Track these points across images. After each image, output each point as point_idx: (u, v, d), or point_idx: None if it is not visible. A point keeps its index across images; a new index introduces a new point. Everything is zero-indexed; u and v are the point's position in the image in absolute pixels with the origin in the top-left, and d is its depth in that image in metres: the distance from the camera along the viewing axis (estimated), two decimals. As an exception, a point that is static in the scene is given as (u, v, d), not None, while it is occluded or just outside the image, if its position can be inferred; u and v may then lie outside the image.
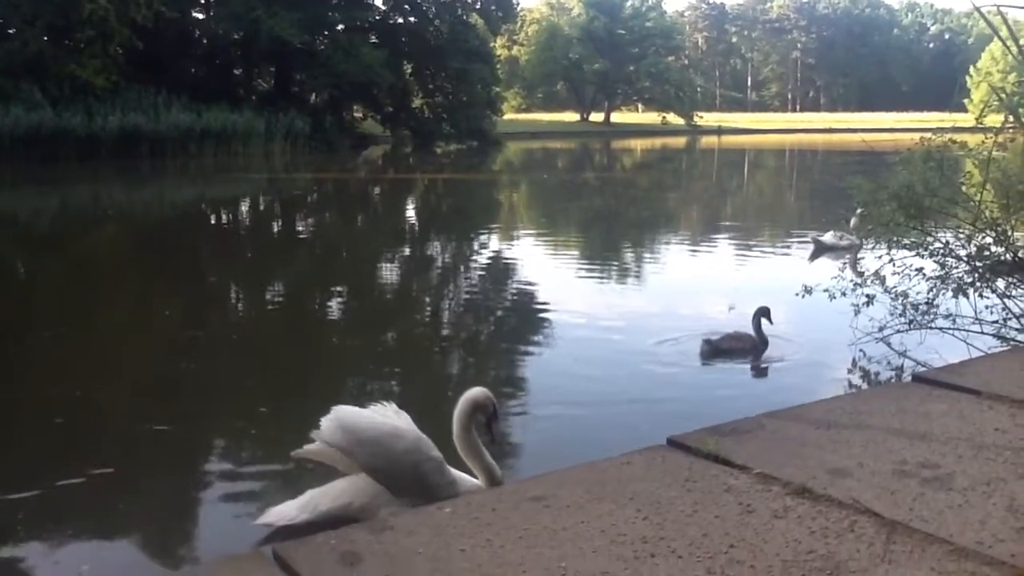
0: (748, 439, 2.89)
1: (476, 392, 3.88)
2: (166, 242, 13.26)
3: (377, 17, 40.91)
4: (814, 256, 10.90)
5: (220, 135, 28.86)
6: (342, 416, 3.65)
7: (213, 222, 16.71)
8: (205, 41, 36.25)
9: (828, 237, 10.86)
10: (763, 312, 6.38)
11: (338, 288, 9.82)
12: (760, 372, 6.17)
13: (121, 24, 26.69)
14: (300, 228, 15.86)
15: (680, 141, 54.89)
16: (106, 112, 26.20)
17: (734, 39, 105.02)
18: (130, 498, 4.04)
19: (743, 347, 6.31)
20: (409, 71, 40.94)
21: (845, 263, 6.41)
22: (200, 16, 36.29)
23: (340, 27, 38.00)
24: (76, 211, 17.54)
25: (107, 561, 3.48)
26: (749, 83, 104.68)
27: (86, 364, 6.37)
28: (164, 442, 4.72)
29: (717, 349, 6.25)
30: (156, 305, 8.60)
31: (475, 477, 3.88)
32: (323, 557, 2.17)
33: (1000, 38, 4.97)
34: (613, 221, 17.12)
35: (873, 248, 6.74)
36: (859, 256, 8.15)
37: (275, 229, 15.89)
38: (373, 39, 39.23)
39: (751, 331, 6.39)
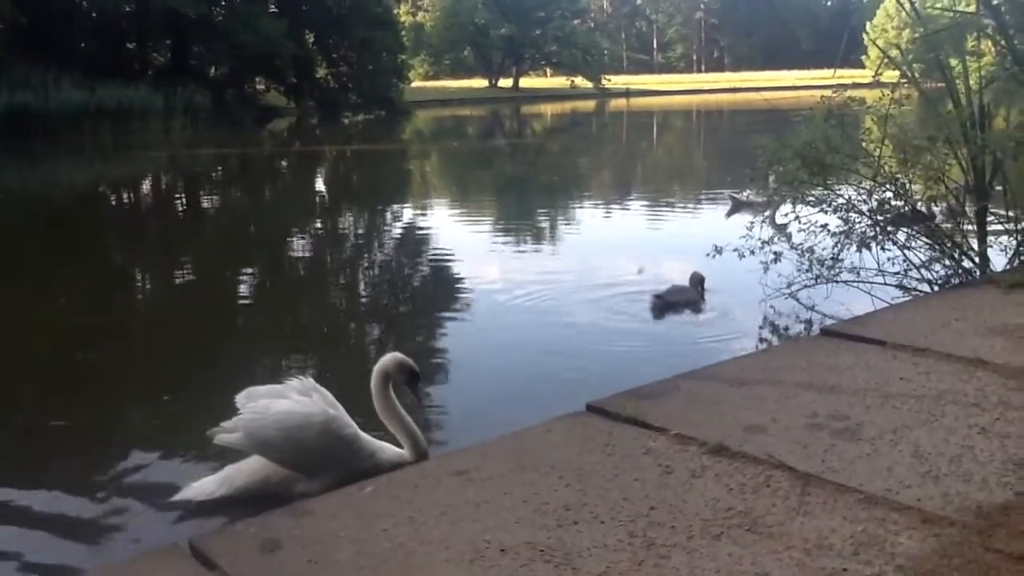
0: (665, 401, 2.93)
1: (387, 359, 3.91)
2: (63, 225, 12.71)
3: (276, -15, 39.76)
4: (731, 213, 11.07)
5: (116, 112, 27.61)
6: (244, 424, 3.62)
7: (114, 203, 16.10)
8: (94, 15, 34.61)
9: (744, 194, 11.04)
10: (699, 280, 6.70)
11: (249, 266, 9.59)
12: (674, 332, 6.27)
13: (2, -2, 25.34)
14: (206, 206, 15.40)
15: (589, 104, 55.12)
16: (-9, 91, 24.93)
17: (639, 1, 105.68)
18: (35, 493, 3.86)
19: (688, 299, 6.68)
20: (312, 41, 39.95)
21: (754, 221, 6.49)
22: (88, -12, 34.67)
23: (237, -4, 36.81)
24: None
25: (14, 560, 3.34)
26: (655, 45, 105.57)
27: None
28: (71, 430, 4.55)
29: (667, 303, 6.55)
30: (55, 291, 8.25)
31: (400, 445, 3.89)
32: (242, 546, 2.12)
33: (894, -4, 5.09)
34: (526, 187, 17.12)
35: (781, 205, 6.89)
36: (778, 211, 8.31)
37: (179, 208, 15.38)
38: (273, 8, 38.09)
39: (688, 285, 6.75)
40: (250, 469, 3.70)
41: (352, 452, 3.70)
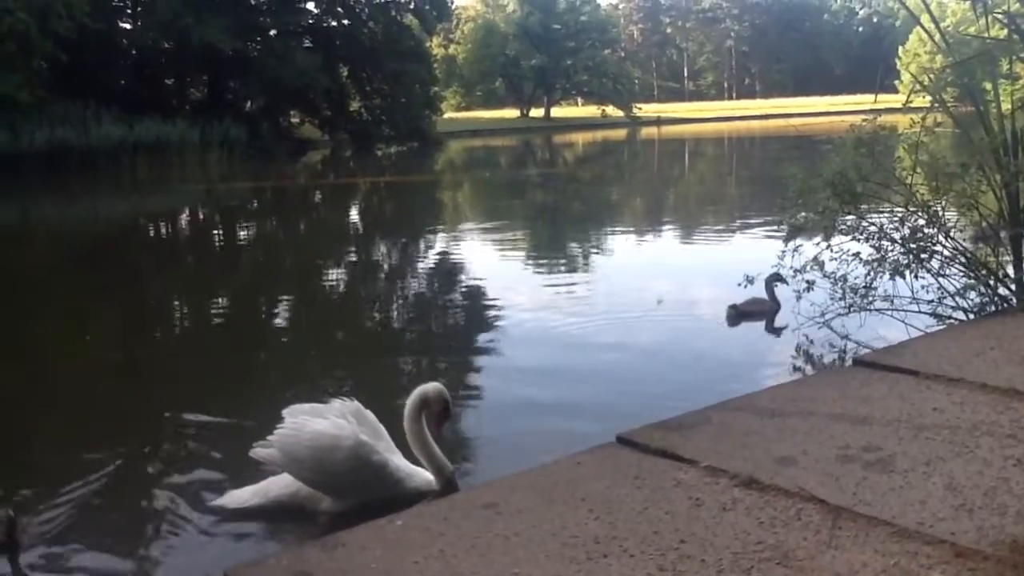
0: (695, 432, 2.92)
1: (428, 387, 3.94)
2: (101, 258, 12.95)
3: (310, 21, 40.50)
4: (789, 238, 10.97)
5: (154, 147, 28.24)
6: (278, 440, 3.77)
7: (152, 235, 16.38)
8: (133, 51, 35.48)
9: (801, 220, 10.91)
10: (776, 277, 6.76)
11: (285, 296, 9.70)
12: (705, 362, 6.24)
13: (43, 37, 25.97)
14: (242, 237, 15.63)
15: (621, 133, 55.25)
16: (32, 128, 25.53)
17: (668, 30, 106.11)
18: (75, 510, 3.92)
19: (763, 309, 6.91)
20: (345, 74, 40.63)
21: (784, 251, 6.43)
22: (127, 26, 35.58)
23: (273, 32, 37.59)
24: (1, 227, 17.02)
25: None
26: (686, 73, 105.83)
27: (14, 388, 6.14)
28: (113, 456, 4.60)
29: (741, 312, 6.83)
30: (98, 318, 8.40)
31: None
32: (275, 579, 2.15)
33: (922, 26, 5.04)
34: (558, 216, 17.16)
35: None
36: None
37: (216, 240, 15.63)
38: (307, 43, 38.85)
39: (764, 296, 6.92)
40: (284, 482, 3.84)
41: (379, 478, 3.78)
